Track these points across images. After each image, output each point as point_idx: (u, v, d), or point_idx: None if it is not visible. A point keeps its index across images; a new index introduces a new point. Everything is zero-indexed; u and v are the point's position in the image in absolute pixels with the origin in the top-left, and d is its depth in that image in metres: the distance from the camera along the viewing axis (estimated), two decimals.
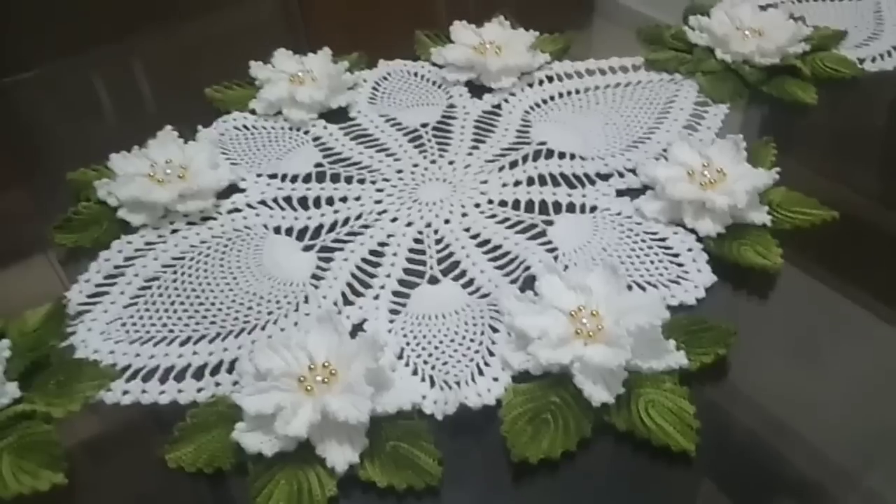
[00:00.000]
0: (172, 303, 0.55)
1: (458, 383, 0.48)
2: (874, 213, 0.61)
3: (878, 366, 0.49)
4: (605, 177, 0.63)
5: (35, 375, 0.49)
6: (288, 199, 0.63)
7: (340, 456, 0.44)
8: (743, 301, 0.54)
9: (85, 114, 0.78)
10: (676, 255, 0.56)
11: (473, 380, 0.48)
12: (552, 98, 0.72)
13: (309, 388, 0.45)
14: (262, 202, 0.63)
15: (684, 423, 0.45)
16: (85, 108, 0.79)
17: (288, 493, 0.43)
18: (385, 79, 0.76)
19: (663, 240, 0.57)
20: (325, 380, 0.45)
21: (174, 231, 0.60)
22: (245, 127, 0.71)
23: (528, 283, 0.54)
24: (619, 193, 0.61)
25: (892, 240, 0.59)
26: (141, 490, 0.45)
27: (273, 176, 0.65)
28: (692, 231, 0.57)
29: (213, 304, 0.54)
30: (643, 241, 0.57)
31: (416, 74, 0.77)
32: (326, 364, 0.46)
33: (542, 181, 0.63)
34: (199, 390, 0.49)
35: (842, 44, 0.77)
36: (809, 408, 0.47)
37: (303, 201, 0.62)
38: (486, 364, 0.49)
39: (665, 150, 0.64)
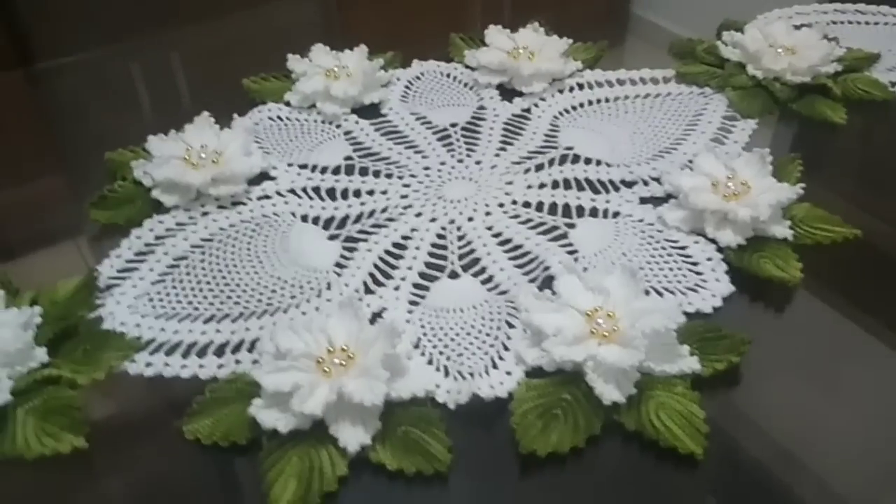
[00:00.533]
0: (199, 282, 0.56)
1: (471, 374, 0.49)
2: None
3: (890, 390, 0.49)
4: (629, 184, 0.64)
5: (63, 343, 0.51)
6: (316, 190, 0.64)
7: (353, 437, 0.45)
8: (759, 313, 0.54)
9: (126, 99, 0.80)
10: (696, 264, 0.56)
11: (487, 372, 0.49)
12: (581, 105, 0.73)
13: (326, 369, 0.46)
14: (292, 191, 0.64)
15: (693, 426, 0.45)
16: (126, 94, 0.81)
17: (299, 469, 0.44)
18: (418, 78, 0.78)
19: (683, 248, 0.57)
20: (343, 363, 0.47)
21: (205, 213, 0.62)
22: (279, 118, 0.72)
23: (547, 284, 0.54)
24: (643, 201, 0.62)
25: None
26: (157, 459, 0.46)
27: (303, 166, 0.66)
28: (713, 241, 0.57)
29: (237, 285, 0.56)
30: (663, 248, 0.57)
31: (448, 76, 0.78)
32: (345, 348, 0.47)
33: (567, 185, 0.64)
34: (220, 367, 0.50)
35: (874, 66, 0.77)
36: (818, 428, 0.47)
37: (331, 192, 0.64)
38: (501, 358, 0.50)
39: (691, 163, 0.64)
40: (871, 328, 0.53)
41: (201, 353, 0.51)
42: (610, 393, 0.46)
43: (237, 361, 0.51)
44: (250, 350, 0.51)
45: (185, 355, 0.51)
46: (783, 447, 0.46)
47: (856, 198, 0.64)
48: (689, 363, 0.48)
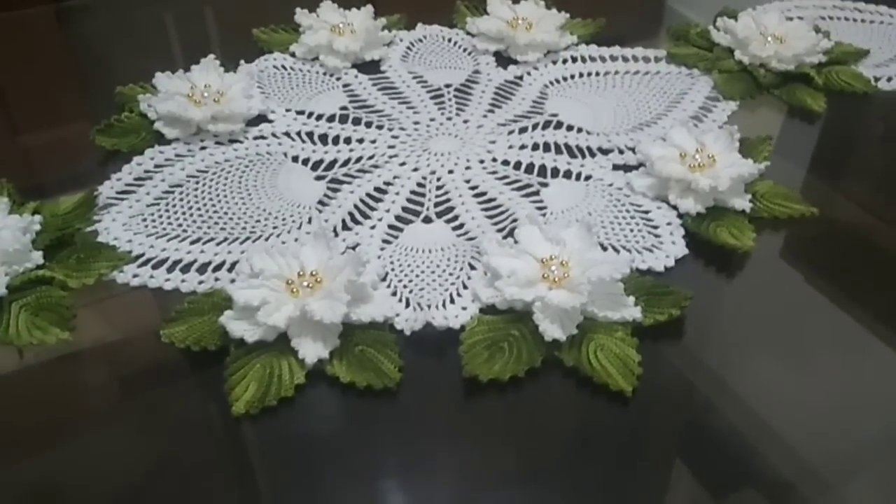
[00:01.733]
0: (190, 207, 0.60)
1: (429, 306, 0.52)
2: (857, 218, 0.64)
3: (816, 353, 0.52)
4: (605, 151, 0.67)
5: (59, 250, 0.55)
6: (310, 134, 0.68)
7: (312, 350, 0.49)
8: (709, 276, 0.57)
9: (141, 41, 0.85)
10: (655, 227, 0.59)
11: (444, 306, 0.53)
12: (572, 76, 0.76)
13: (294, 290, 0.50)
14: (286, 133, 0.68)
15: (627, 367, 0.49)
16: (142, 35, 0.85)
17: (261, 375, 0.48)
18: (420, 40, 0.81)
19: (646, 212, 0.61)
20: (311, 286, 0.50)
21: (202, 147, 0.66)
22: (283, 67, 0.76)
23: (513, 234, 0.58)
24: (616, 168, 0.65)
25: (870, 246, 0.61)
26: (135, 357, 0.51)
27: (300, 112, 0.70)
28: (675, 208, 0.60)
29: (225, 213, 0.60)
30: (628, 211, 0.61)
31: (449, 40, 0.81)
32: (314, 273, 0.51)
33: (546, 148, 0.67)
34: (200, 283, 0.54)
35: (862, 62, 0.79)
36: (747, 382, 0.50)
37: (323, 137, 0.68)
38: (459, 295, 0.53)
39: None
40: (814, 300, 0.56)
41: (185, 270, 0.55)
42: (553, 331, 0.50)
43: (216, 279, 0.55)
44: (230, 270, 0.55)
45: (170, 270, 0.55)
46: (710, 396, 0.49)
47: (823, 180, 0.67)
48: (632, 312, 0.51)
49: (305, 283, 0.51)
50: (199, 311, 0.52)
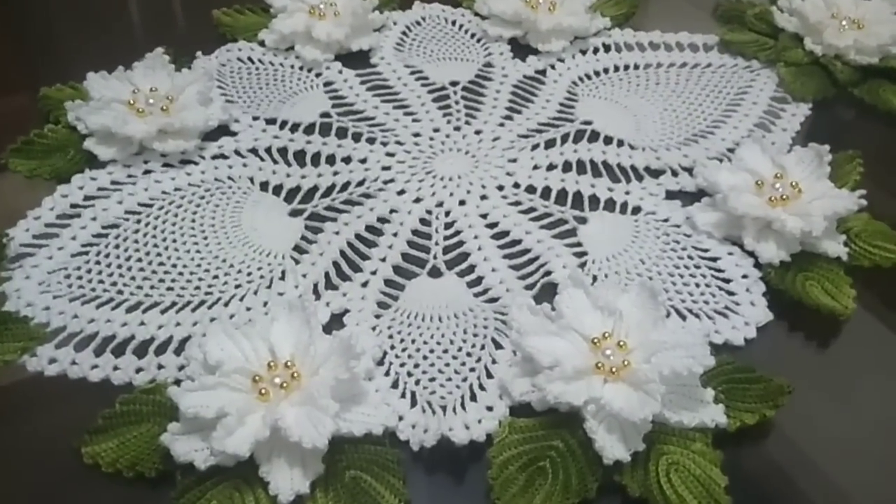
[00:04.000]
0: (129, 258, 0.47)
1: (443, 408, 0.39)
2: None
3: None
4: (655, 173, 0.53)
5: None
6: (283, 151, 0.54)
7: (287, 482, 0.36)
8: (800, 348, 0.44)
9: (83, 22, 0.69)
10: (728, 282, 0.46)
11: (463, 406, 0.40)
12: (606, 71, 0.62)
13: (263, 391, 0.37)
14: (254, 151, 0.54)
15: (712, 497, 0.36)
16: (83, 15, 0.70)
17: None
18: (418, 24, 0.67)
19: (715, 260, 0.48)
20: (285, 384, 0.37)
21: (147, 172, 0.52)
22: (250, 59, 0.62)
23: (547, 293, 0.45)
24: (669, 196, 0.52)
25: None
26: (44, 486, 0.37)
27: (271, 121, 0.56)
28: (751, 254, 0.47)
29: (174, 265, 0.46)
30: (690, 257, 0.48)
31: (454, 23, 0.67)
32: (290, 364, 0.38)
33: (581, 168, 0.53)
34: (139, 371, 0.41)
35: None
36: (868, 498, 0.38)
37: (300, 156, 0.54)
38: (482, 388, 0.40)
39: (730, 151, 0.54)
40: None
41: (118, 351, 0.42)
42: (613, 448, 0.37)
43: (160, 366, 0.41)
44: (178, 352, 0.42)
45: (99, 352, 0.42)
46: None
47: None
48: (713, 413, 0.39)
49: (278, 380, 0.38)
50: (136, 418, 0.39)
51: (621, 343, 0.40)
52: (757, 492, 0.38)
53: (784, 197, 0.48)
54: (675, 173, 0.53)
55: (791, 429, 0.40)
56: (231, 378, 0.38)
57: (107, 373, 0.41)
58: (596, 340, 0.40)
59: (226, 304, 0.44)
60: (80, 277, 0.45)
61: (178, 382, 0.39)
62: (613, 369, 0.39)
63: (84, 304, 0.44)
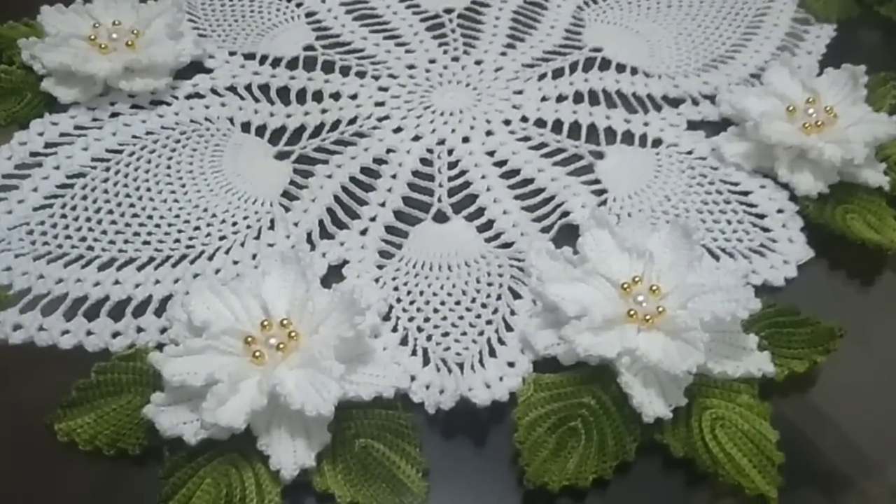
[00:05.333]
0: (98, 210, 0.42)
1: (460, 366, 0.35)
2: None
3: None
4: (674, 102, 0.49)
5: None
6: (265, 89, 0.49)
7: (290, 454, 0.32)
8: (843, 287, 0.41)
9: None
10: (762, 217, 0.42)
11: (482, 362, 0.36)
12: None
13: (258, 353, 0.33)
14: (232, 89, 0.49)
15: (763, 454, 0.33)
16: None
17: (214, 498, 0.31)
18: None
19: (746, 194, 0.44)
20: (282, 345, 0.33)
21: (114, 115, 0.47)
22: None
23: (566, 236, 0.41)
24: (691, 126, 0.47)
25: None
26: (13, 470, 0.33)
27: (250, 56, 0.51)
28: (785, 187, 0.43)
29: (150, 217, 0.41)
30: (719, 192, 0.44)
31: None
32: (286, 322, 0.34)
33: (594, 99, 0.49)
34: (115, 335, 0.37)
35: None
36: None
37: (283, 93, 0.49)
38: (501, 342, 0.36)
39: (753, 77, 0.50)
40: None
41: (91, 314, 0.37)
42: (652, 404, 0.33)
43: (139, 329, 0.37)
44: (158, 313, 0.37)
45: (70, 315, 0.37)
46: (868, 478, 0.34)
47: None
48: (759, 362, 0.35)
49: (273, 341, 0.33)
50: (115, 389, 0.34)
51: (654, 288, 0.36)
52: (807, 447, 0.35)
53: (819, 123, 0.44)
54: (695, 102, 0.49)
55: (837, 376, 0.36)
56: (220, 340, 0.33)
57: (79, 338, 0.37)
58: (626, 286, 0.36)
59: (210, 258, 0.40)
60: (44, 233, 0.40)
61: (160, 347, 0.35)
62: (647, 317, 0.35)
63: (50, 262, 0.39)
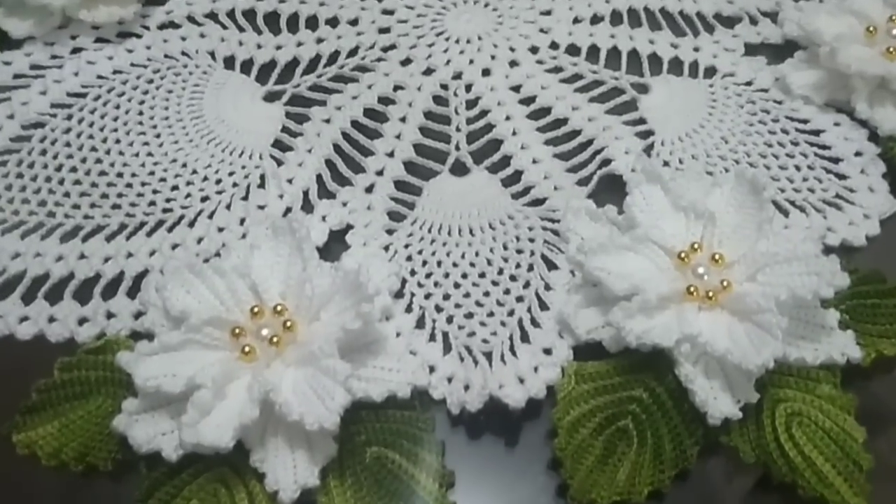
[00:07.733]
0: (59, 167, 0.36)
1: (487, 356, 0.30)
2: None
3: None
4: (728, 21, 0.42)
5: None
6: (250, 15, 0.42)
7: (289, 472, 0.27)
8: None
9: None
10: (837, 161, 0.36)
11: (513, 350, 0.30)
12: None
13: (247, 348, 0.28)
14: (212, 16, 0.42)
15: (848, 456, 0.28)
16: None
17: None
18: None
19: (817, 133, 0.37)
20: (276, 337, 0.28)
21: (76, 51, 0.40)
22: None
23: (608, 188, 0.35)
24: (749, 50, 0.41)
25: None
26: None
27: None
28: (864, 124, 0.37)
29: (120, 175, 0.36)
30: (785, 131, 0.37)
31: None
32: (280, 308, 0.29)
33: (634, 19, 0.42)
34: (82, 322, 0.31)
35: None
36: None
37: (272, 20, 0.42)
38: (535, 323, 0.31)
39: None
40: None
41: (54, 296, 0.32)
42: (718, 401, 0.28)
43: (110, 315, 0.32)
44: (132, 294, 0.32)
45: (28, 299, 0.32)
46: None
47: None
48: (841, 344, 0.30)
49: (266, 332, 0.28)
50: (82, 390, 0.29)
51: (716, 257, 0.30)
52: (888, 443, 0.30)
53: None
54: (753, 20, 0.42)
55: None
56: (203, 333, 0.28)
57: (40, 326, 0.31)
58: (683, 255, 0.30)
59: (191, 225, 0.34)
60: None
61: (135, 336, 0.30)
62: (710, 293, 0.29)
63: (4, 233, 0.34)
